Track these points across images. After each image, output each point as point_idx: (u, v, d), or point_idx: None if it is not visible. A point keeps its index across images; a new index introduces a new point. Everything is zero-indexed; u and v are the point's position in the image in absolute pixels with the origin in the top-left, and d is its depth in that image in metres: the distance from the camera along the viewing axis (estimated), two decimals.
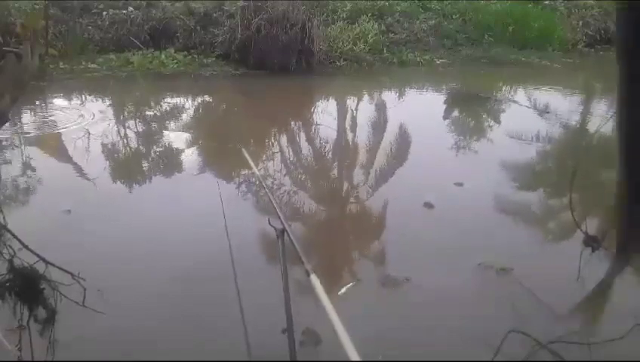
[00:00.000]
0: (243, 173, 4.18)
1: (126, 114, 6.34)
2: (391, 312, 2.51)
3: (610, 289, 2.78)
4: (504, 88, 8.25)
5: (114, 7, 8.90)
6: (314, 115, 6.65)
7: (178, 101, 6.87)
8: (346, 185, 4.34)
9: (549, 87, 7.89)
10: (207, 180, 4.26)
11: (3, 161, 4.49)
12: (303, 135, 5.71)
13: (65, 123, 5.56)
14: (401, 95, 7.71)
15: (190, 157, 4.79)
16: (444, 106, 6.96)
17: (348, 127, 6.04)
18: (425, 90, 8.25)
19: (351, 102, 7.31)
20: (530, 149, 4.97)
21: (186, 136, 5.40)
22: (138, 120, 6.02)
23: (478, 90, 7.59)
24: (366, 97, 7.53)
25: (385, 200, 3.82)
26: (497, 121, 6.39)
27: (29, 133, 5.26)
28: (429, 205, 3.61)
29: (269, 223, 1.75)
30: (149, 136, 5.47)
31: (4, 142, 4.92)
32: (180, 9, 9.00)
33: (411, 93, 7.92)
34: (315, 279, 1.24)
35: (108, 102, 6.83)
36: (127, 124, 5.83)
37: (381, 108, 6.87)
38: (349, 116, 6.53)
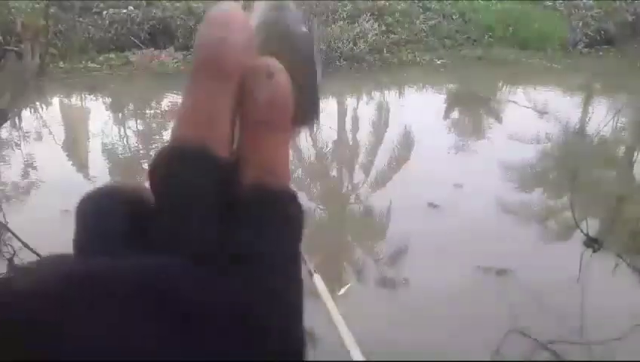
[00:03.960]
0: None
1: (126, 113, 6.34)
2: (391, 312, 2.51)
3: (610, 289, 2.78)
4: (504, 88, 8.26)
5: (114, 7, 8.89)
6: None
7: (178, 100, 6.86)
8: (346, 185, 4.34)
9: (549, 88, 7.90)
10: None
11: (3, 161, 4.49)
12: (303, 135, 5.70)
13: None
14: (401, 95, 7.71)
15: None
16: (444, 106, 6.96)
17: (348, 128, 6.04)
18: (425, 91, 8.25)
19: (351, 102, 7.31)
20: (530, 150, 4.97)
21: None
22: (138, 119, 6.02)
23: (478, 91, 7.59)
24: (366, 97, 7.53)
25: (385, 201, 3.82)
26: (497, 121, 6.39)
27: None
28: (431, 205, 3.62)
29: None
30: (149, 135, 5.46)
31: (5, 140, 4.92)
32: (180, 8, 9.00)
33: (411, 93, 7.92)
34: (318, 279, 1.24)
35: (108, 102, 6.83)
36: (127, 124, 5.82)
37: (381, 108, 6.87)
38: (349, 116, 6.53)
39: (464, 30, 10.21)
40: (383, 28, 9.57)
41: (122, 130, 5.54)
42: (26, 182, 3.99)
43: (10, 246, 2.36)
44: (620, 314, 2.46)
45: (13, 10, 7.79)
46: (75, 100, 6.76)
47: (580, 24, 10.52)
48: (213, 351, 0.17)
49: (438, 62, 9.22)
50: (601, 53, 10.25)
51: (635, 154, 5.23)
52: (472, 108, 6.80)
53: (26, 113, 5.92)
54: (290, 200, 0.21)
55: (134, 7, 8.92)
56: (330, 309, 1.15)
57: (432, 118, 6.24)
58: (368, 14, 9.62)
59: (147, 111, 6.34)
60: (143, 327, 0.16)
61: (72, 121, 5.62)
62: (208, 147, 0.19)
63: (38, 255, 2.18)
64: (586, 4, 10.91)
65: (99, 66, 7.93)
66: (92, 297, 0.16)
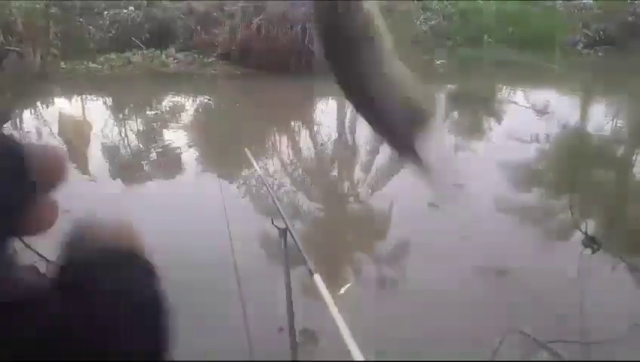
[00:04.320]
0: (245, 172, 4.18)
1: (126, 113, 6.34)
2: (390, 312, 2.51)
3: (609, 289, 2.79)
4: (504, 89, 8.26)
5: (114, 7, 8.90)
6: (314, 115, 6.65)
7: (179, 101, 6.87)
8: (346, 185, 4.35)
9: (548, 88, 7.90)
10: (208, 180, 4.26)
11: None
12: (304, 135, 5.72)
13: None
14: None
15: (191, 157, 4.79)
16: (444, 106, 6.96)
17: (348, 128, 6.04)
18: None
19: None
20: (530, 150, 4.97)
21: (187, 135, 5.40)
22: (138, 119, 6.02)
23: (478, 91, 7.60)
24: None
25: (385, 201, 3.83)
26: (497, 121, 6.40)
27: None
28: (431, 205, 3.62)
29: (272, 223, 1.75)
30: (149, 135, 5.47)
31: None
32: (181, 9, 9.01)
33: None
34: (318, 278, 1.25)
35: (109, 102, 6.83)
36: (127, 124, 5.83)
37: None
38: (349, 116, 6.53)
39: (464, 30, 10.22)
40: None
41: (122, 130, 5.54)
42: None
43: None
44: (619, 314, 2.46)
45: (14, 10, 7.80)
46: (75, 101, 6.76)
47: (580, 24, 10.52)
48: None
49: (438, 62, 9.22)
50: (600, 53, 10.25)
51: (635, 154, 5.23)
52: (472, 109, 6.81)
53: (27, 113, 5.93)
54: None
55: (135, 8, 8.94)
56: (330, 309, 1.15)
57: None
58: None
59: (147, 111, 6.34)
60: None
61: (72, 124, 5.62)
62: None
63: (39, 255, 2.19)
64: (585, 5, 10.90)
65: (100, 67, 7.94)
66: None
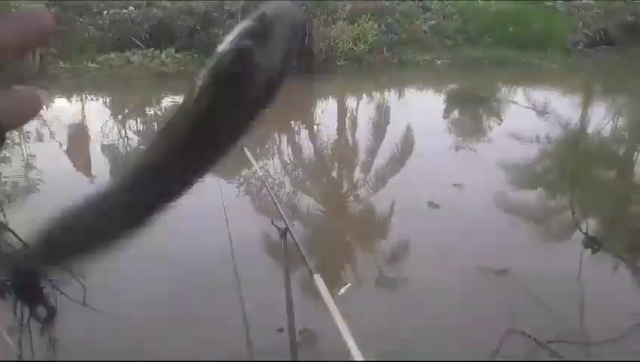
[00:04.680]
0: (245, 172, 4.18)
1: (126, 113, 6.34)
2: (391, 312, 2.51)
3: (609, 289, 2.79)
4: (504, 89, 8.26)
5: (114, 7, 8.90)
6: (314, 115, 6.65)
7: (178, 101, 6.87)
8: (346, 186, 4.34)
9: (548, 88, 7.90)
10: (208, 179, 4.24)
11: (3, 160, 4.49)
12: (303, 135, 5.71)
13: None
14: (401, 95, 7.71)
15: None
16: (444, 106, 6.96)
17: (348, 128, 6.04)
18: (425, 91, 8.24)
19: (351, 102, 7.31)
20: (530, 150, 4.97)
21: None
22: (138, 119, 6.02)
23: (478, 91, 7.59)
24: (366, 97, 7.53)
25: (385, 201, 3.82)
26: (497, 121, 6.40)
27: None
28: (431, 205, 3.62)
29: (272, 223, 1.75)
30: (149, 135, 5.46)
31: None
32: (181, 8, 9.00)
33: (411, 93, 7.92)
34: (318, 279, 1.25)
35: (108, 102, 6.83)
36: (127, 124, 5.82)
37: (381, 108, 6.87)
38: (349, 116, 6.53)
39: (464, 30, 10.22)
40: (383, 28, 9.57)
41: (122, 129, 5.54)
42: (26, 182, 3.99)
43: (11, 246, 2.37)
44: (619, 314, 2.46)
45: (13, 10, 7.78)
46: (75, 101, 6.76)
47: (580, 24, 10.52)
48: None
49: (438, 62, 9.22)
50: (600, 53, 10.25)
51: (635, 153, 5.23)
52: (472, 108, 6.80)
53: None
54: None
55: (134, 7, 8.93)
56: (330, 309, 1.15)
57: (432, 117, 6.25)
58: (368, 14, 9.62)
59: (147, 111, 6.34)
60: None
61: (71, 125, 5.62)
62: None
63: None
64: (586, 5, 10.91)
65: (99, 66, 7.93)
66: None
